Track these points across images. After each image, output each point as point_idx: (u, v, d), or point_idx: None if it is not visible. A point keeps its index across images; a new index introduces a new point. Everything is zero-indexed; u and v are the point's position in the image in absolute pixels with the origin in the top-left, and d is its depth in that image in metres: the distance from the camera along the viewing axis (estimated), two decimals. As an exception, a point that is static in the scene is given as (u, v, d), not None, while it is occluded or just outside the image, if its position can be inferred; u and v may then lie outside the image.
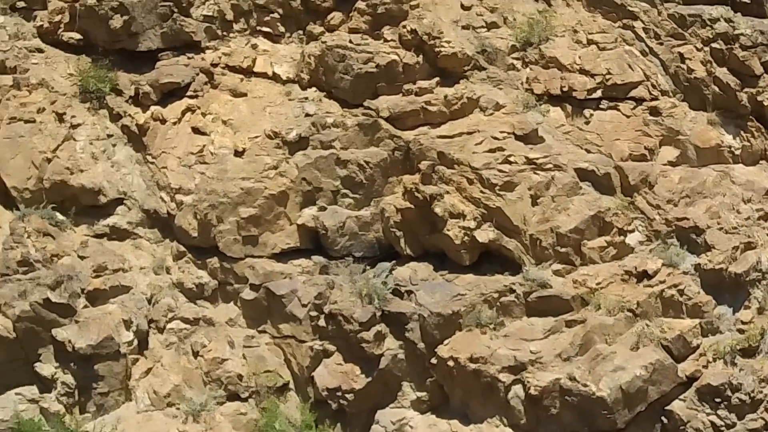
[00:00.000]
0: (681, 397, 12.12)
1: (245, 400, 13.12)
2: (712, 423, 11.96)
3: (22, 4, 14.53)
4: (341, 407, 12.74)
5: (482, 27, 14.08)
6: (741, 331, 12.27)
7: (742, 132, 13.92)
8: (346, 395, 12.70)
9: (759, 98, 13.81)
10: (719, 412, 11.99)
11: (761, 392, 12.03)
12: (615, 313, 12.35)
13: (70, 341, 12.64)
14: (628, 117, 13.67)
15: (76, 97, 13.92)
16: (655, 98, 13.77)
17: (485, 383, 12.13)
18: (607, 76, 13.73)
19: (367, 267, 13.22)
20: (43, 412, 12.86)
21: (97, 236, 13.42)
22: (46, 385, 12.85)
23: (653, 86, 13.85)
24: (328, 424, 13.00)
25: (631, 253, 12.85)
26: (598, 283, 12.58)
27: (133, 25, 13.95)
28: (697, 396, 12.08)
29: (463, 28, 14.05)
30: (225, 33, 14.43)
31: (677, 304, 12.41)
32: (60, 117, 13.74)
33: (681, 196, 12.99)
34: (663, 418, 12.18)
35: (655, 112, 13.63)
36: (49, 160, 13.42)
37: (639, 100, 13.80)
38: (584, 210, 12.77)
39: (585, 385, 11.85)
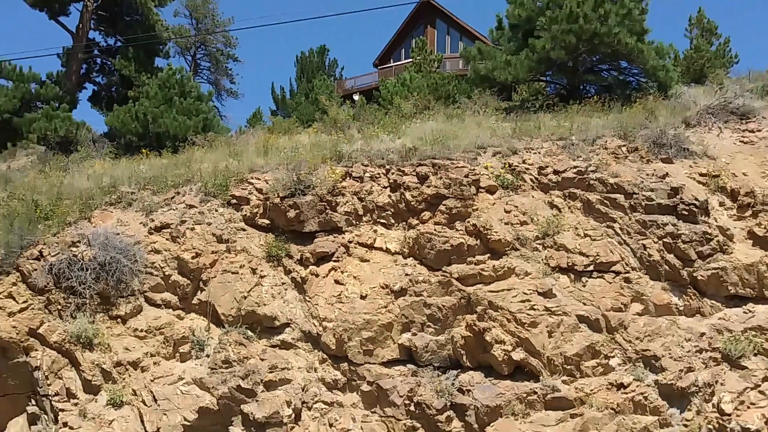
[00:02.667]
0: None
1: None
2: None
3: (234, 201, 16.96)
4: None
5: (517, 223, 15.82)
6: (686, 425, 13.48)
7: (683, 295, 15.16)
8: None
9: (694, 274, 15.23)
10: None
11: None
12: (602, 410, 13.57)
13: (252, 413, 14.24)
14: (610, 283, 15.14)
15: (264, 259, 16.05)
16: (628, 272, 15.22)
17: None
18: (597, 257, 15.26)
19: (442, 373, 14.60)
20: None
21: (272, 346, 15.19)
22: (236, 441, 13.77)
23: (626, 264, 15.28)
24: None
25: (612, 371, 14.11)
26: (591, 390, 13.88)
27: (301, 216, 16.08)
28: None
29: (505, 223, 15.71)
30: (357, 222, 16.35)
31: (643, 406, 13.67)
32: (253, 271, 15.84)
33: (645, 335, 14.40)
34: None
35: (627, 280, 15.10)
36: (245, 297, 15.44)
37: (617, 273, 15.22)
38: (582, 342, 14.20)
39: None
